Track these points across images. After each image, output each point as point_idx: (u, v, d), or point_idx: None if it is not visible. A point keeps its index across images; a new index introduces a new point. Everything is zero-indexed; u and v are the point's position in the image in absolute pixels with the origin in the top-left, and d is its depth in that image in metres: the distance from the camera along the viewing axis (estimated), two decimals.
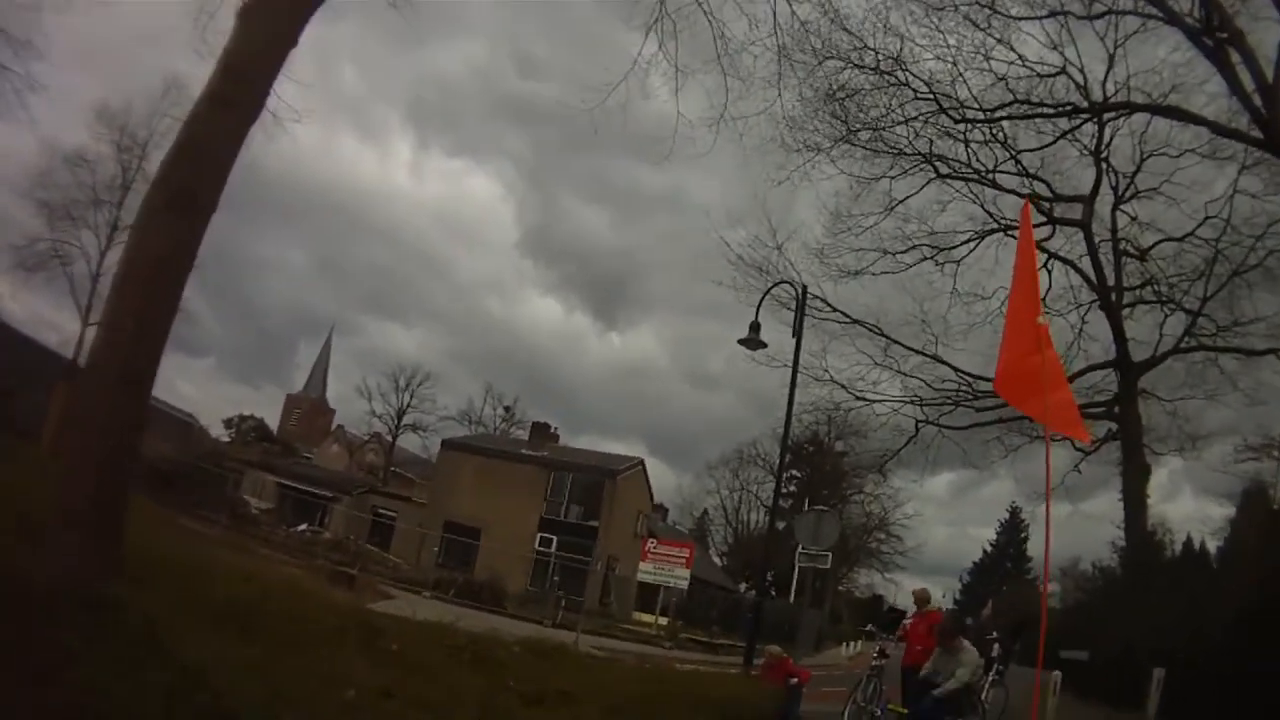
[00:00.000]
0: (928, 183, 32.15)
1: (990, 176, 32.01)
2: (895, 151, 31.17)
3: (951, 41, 28.76)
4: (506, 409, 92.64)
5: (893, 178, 31.74)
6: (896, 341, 33.97)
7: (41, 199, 37.08)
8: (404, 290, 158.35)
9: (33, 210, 38.07)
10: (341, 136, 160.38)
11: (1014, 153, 31.44)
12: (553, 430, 71.01)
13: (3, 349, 31.70)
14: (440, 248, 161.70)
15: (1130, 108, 29.39)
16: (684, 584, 43.80)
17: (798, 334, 24.77)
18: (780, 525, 51.13)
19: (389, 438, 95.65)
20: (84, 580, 7.57)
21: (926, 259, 33.32)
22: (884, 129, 30.43)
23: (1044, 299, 32.11)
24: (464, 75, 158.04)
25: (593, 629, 35.37)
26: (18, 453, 19.41)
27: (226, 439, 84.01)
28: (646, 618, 50.51)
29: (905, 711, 16.28)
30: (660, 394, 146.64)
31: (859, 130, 30.12)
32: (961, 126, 30.84)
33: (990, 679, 22.75)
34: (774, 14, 17.68)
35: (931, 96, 29.78)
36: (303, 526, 48.89)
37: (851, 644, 59.45)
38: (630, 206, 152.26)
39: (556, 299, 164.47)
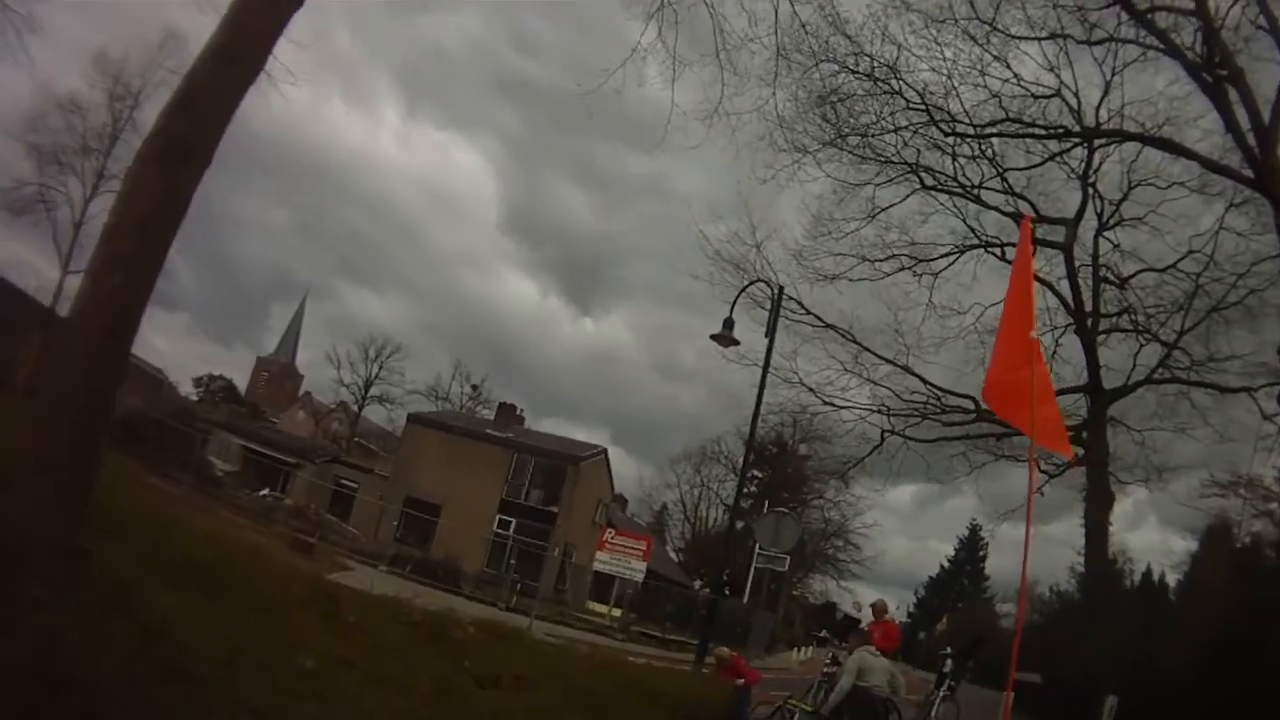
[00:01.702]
0: (912, 193, 32.22)
1: (975, 192, 32.02)
2: (882, 159, 31.13)
3: (948, 54, 28.75)
4: (474, 387, 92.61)
5: (877, 185, 31.77)
6: (868, 349, 34.03)
7: (31, 142, 36.75)
8: (381, 258, 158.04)
9: (22, 153, 37.62)
10: (331, 98, 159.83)
11: (1001, 170, 31.41)
12: (519, 412, 71.07)
13: None
14: (421, 219, 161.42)
15: (1122, 136, 29.36)
16: (640, 577, 43.58)
17: (771, 334, 24.70)
18: (739, 525, 51.29)
19: (355, 408, 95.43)
20: (53, 529, 7.49)
21: (905, 269, 33.30)
22: (873, 135, 30.43)
23: None
24: (459, 47, 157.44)
25: (546, 615, 35.42)
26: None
27: (195, 398, 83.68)
28: (600, 608, 50.77)
29: (810, 709, 16.35)
30: (629, 382, 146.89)
31: (848, 135, 30.12)
32: (951, 140, 30.87)
33: (941, 694, 22.92)
34: (775, 11, 17.68)
35: (923, 107, 29.78)
36: (265, 491, 48.76)
37: (804, 649, 59.61)
38: (615, 192, 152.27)
39: (533, 280, 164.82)
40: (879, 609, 20.53)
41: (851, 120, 30.06)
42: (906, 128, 30.40)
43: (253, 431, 66.00)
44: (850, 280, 33.23)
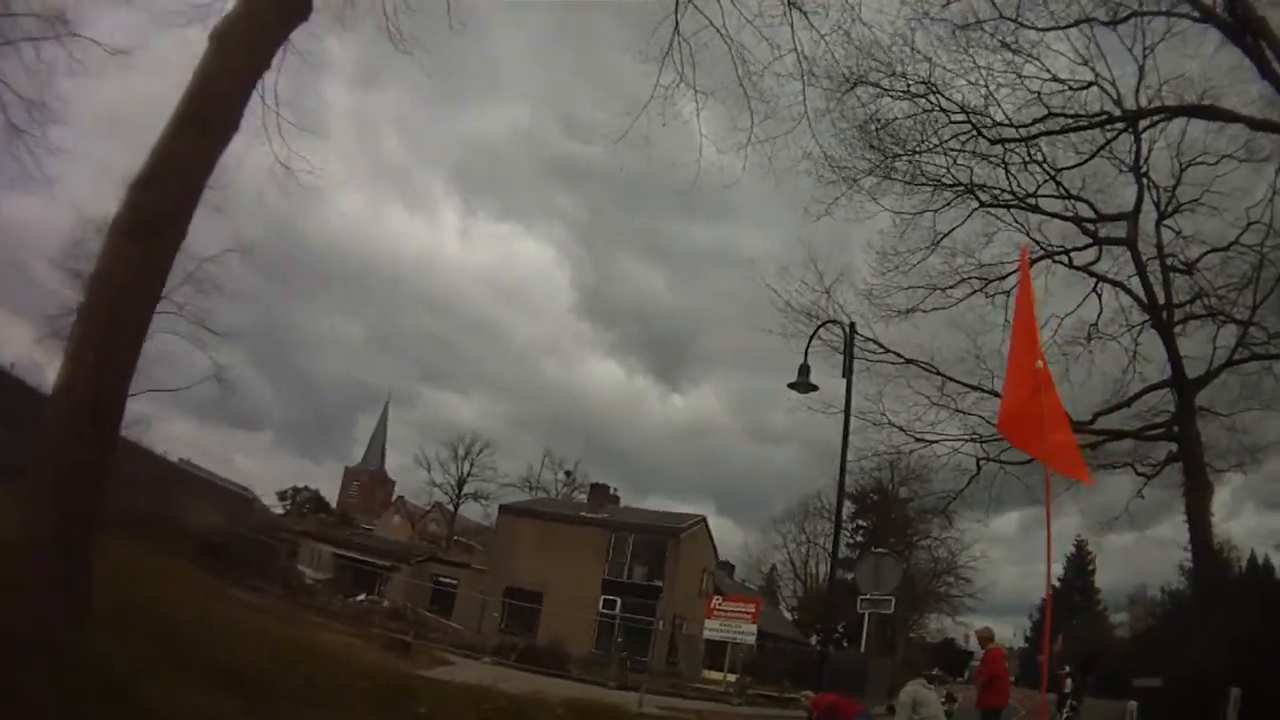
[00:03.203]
0: (971, 214, 31.82)
1: (1033, 201, 31.66)
2: (935, 183, 30.92)
3: (981, 62, 28.65)
4: (567, 473, 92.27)
5: (935, 211, 31.46)
6: (952, 379, 33.19)
7: (74, 269, 36.91)
8: (460, 359, 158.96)
9: (66, 280, 37.90)
10: (388, 206, 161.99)
11: (1053, 173, 31.02)
12: (612, 491, 70.35)
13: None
14: (495, 314, 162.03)
15: (1165, 111, 29.09)
16: (751, 639, 42.85)
17: (848, 373, 24.20)
18: (850, 576, 50.32)
19: (450, 507, 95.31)
20: (43, 622, 7.15)
21: (976, 291, 32.64)
22: (920, 153, 30.19)
23: (1095, 323, 32.27)
24: (508, 138, 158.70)
25: (660, 689, 34.73)
26: None
27: (281, 511, 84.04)
28: (716, 675, 49.63)
29: None
30: (725, 451, 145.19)
31: (896, 158, 29.93)
32: (998, 148, 30.54)
33: (1065, 715, 21.94)
34: (792, 32, 17.19)
35: (966, 119, 29.63)
36: (362, 596, 48.49)
37: None
38: (686, 264, 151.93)
39: (616, 361, 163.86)
40: (983, 637, 19.70)
41: (895, 146, 29.92)
42: (952, 140, 30.20)
43: (343, 539, 66.42)
44: (924, 312, 32.75)
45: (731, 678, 46.63)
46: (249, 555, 36.28)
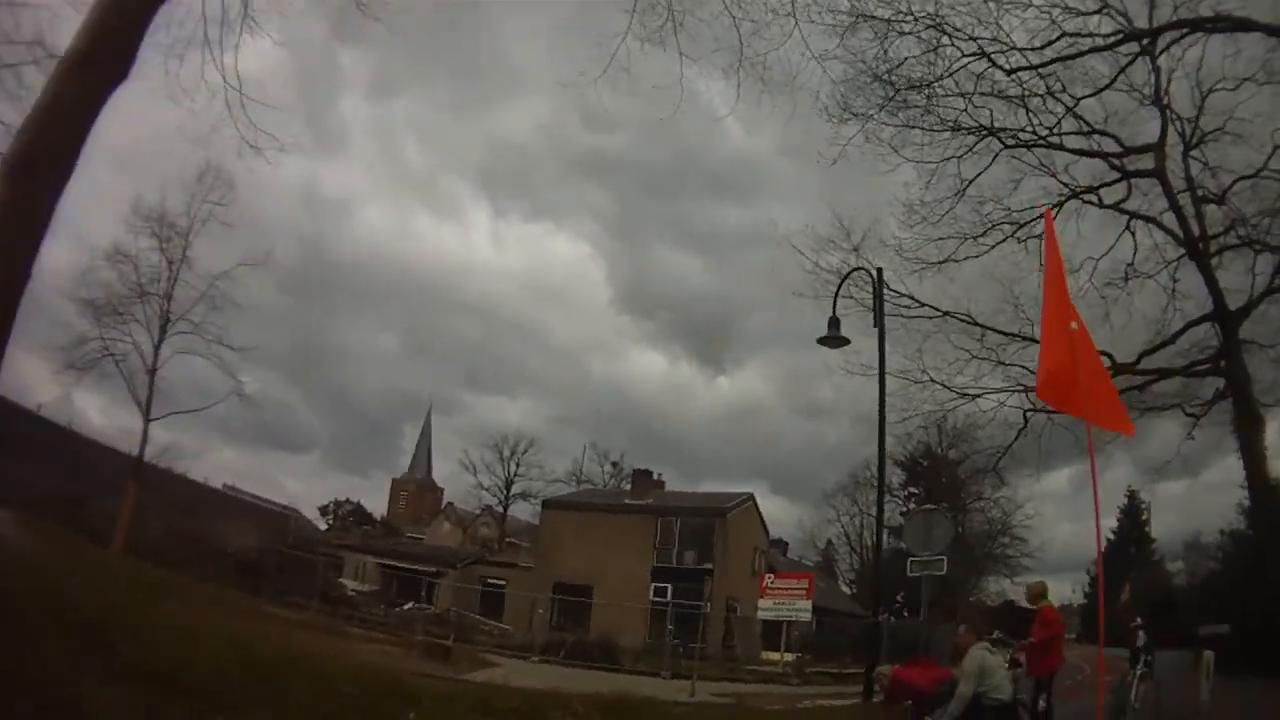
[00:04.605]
0: (995, 158, 31.42)
1: (1056, 139, 31.34)
2: (954, 126, 30.57)
3: None
4: (614, 464, 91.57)
5: (959, 158, 31.07)
6: (992, 329, 32.86)
7: (85, 298, 36.08)
8: (501, 361, 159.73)
9: (75, 310, 37.16)
10: (416, 215, 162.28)
11: (1072, 105, 30.71)
12: (656, 476, 69.08)
13: (71, 456, 32.56)
14: (533, 314, 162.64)
15: (1182, 25, 28.76)
16: (807, 616, 42.11)
17: (879, 322, 23.67)
18: (902, 545, 49.36)
19: (500, 509, 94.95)
20: None
21: (1007, 238, 32.29)
22: (934, 84, 29.81)
23: (1131, 263, 31.84)
24: (531, 135, 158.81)
25: (715, 674, 34.38)
26: (87, 553, 18.86)
27: (325, 526, 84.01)
28: (774, 655, 48.79)
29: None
30: (774, 431, 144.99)
31: (906, 90, 29.61)
32: (1015, 82, 30.28)
33: (1139, 672, 20.46)
34: None
35: (979, 50, 29.34)
36: (409, 604, 47.98)
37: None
38: (720, 247, 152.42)
39: (659, 351, 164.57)
40: (1035, 593, 18.21)
41: (907, 77, 29.62)
42: (963, 71, 29.88)
43: (388, 549, 66.36)
44: (956, 262, 32.53)
45: (790, 657, 45.77)
46: (287, 572, 36.07)
